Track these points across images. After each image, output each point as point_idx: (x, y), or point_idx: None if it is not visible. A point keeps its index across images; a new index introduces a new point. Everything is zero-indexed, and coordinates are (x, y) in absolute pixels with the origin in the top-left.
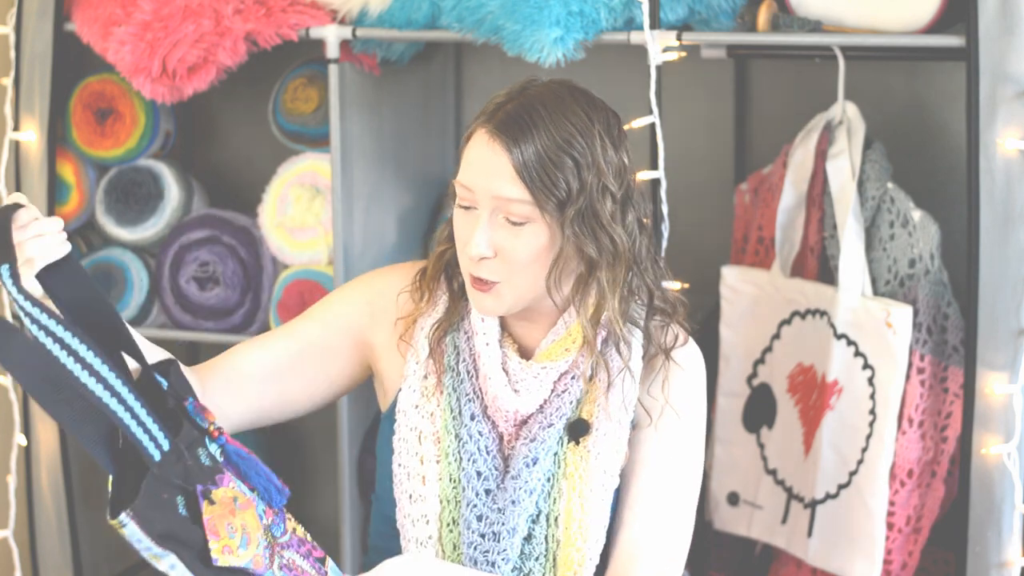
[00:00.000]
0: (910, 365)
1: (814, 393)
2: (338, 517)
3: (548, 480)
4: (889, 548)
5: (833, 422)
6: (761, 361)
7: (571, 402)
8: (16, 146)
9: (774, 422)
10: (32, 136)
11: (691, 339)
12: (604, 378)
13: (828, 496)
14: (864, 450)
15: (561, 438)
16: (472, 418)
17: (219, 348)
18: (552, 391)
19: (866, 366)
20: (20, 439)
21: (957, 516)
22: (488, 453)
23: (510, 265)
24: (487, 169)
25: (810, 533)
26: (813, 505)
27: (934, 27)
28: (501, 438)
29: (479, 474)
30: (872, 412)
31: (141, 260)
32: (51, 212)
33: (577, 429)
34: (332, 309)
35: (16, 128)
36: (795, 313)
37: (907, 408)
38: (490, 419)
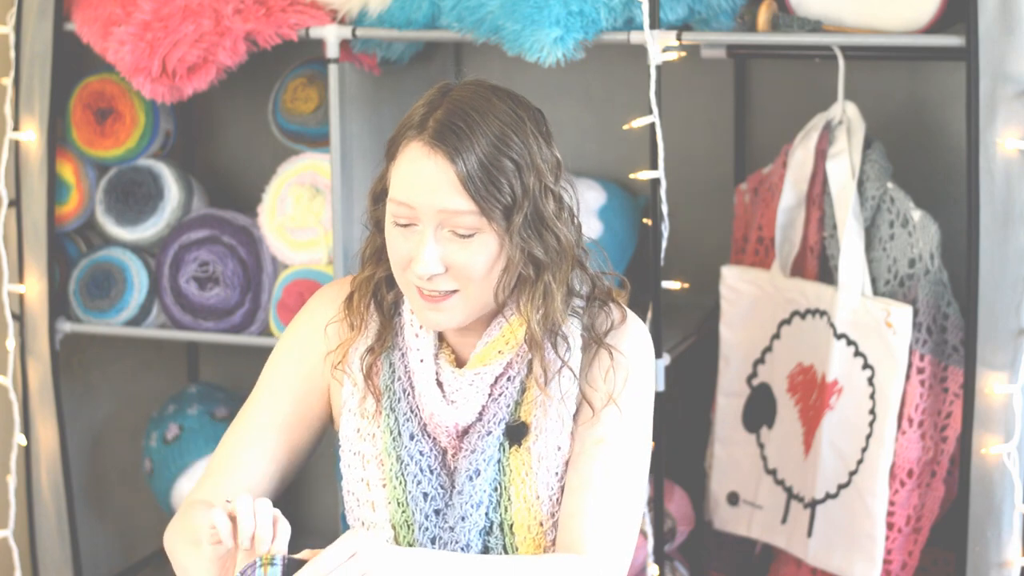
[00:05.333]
0: (910, 365)
1: (814, 393)
2: (337, 518)
3: (495, 489)
4: (889, 548)
5: (833, 422)
6: (761, 361)
7: (507, 406)
8: (16, 146)
9: (774, 422)
10: (32, 136)
11: (629, 314)
12: (541, 375)
13: (828, 496)
14: (864, 450)
15: (502, 444)
16: (411, 438)
17: (219, 348)
18: (489, 396)
19: (866, 366)
20: (20, 439)
21: (957, 516)
22: (432, 472)
23: (464, 278)
24: (429, 183)
25: (810, 533)
26: (813, 505)
27: (934, 27)
28: (445, 453)
29: (425, 495)
30: (872, 412)
31: (141, 260)
32: (51, 212)
33: (516, 432)
34: (294, 373)
35: (16, 128)
36: (795, 313)
37: (907, 408)
38: (431, 436)
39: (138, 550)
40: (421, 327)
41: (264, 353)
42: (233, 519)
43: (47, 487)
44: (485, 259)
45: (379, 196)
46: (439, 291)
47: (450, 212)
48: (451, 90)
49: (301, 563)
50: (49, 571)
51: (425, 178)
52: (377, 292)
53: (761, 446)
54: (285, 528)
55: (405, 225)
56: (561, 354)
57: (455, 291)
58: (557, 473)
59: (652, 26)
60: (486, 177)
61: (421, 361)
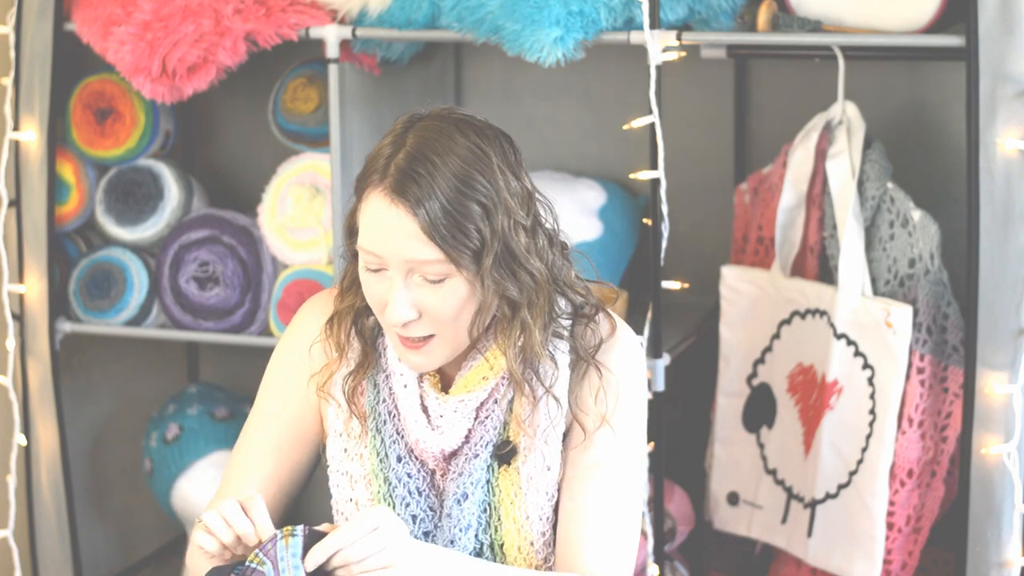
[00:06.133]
0: (910, 365)
1: (814, 393)
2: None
3: (484, 511)
4: (889, 548)
5: (833, 422)
6: (761, 361)
7: (495, 427)
8: (16, 146)
9: (774, 422)
10: (32, 136)
11: (619, 325)
12: (529, 396)
13: (828, 496)
14: (864, 450)
15: (490, 465)
16: (399, 460)
17: (219, 348)
18: (475, 419)
19: (866, 366)
20: (20, 439)
21: (957, 516)
22: (420, 494)
23: (437, 321)
24: (393, 234)
25: (810, 533)
26: (813, 505)
27: (934, 27)
28: (433, 473)
29: (414, 518)
30: (872, 412)
31: (141, 260)
32: (51, 212)
33: (504, 453)
34: (284, 395)
35: (16, 128)
36: (795, 313)
37: (907, 408)
38: (418, 458)
39: (138, 550)
40: None
41: (264, 353)
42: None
43: (47, 487)
44: (456, 303)
45: (353, 230)
46: (415, 337)
47: (417, 262)
48: (415, 124)
49: (322, 534)
50: (49, 571)
51: (389, 230)
52: (357, 320)
53: (761, 446)
54: (257, 504)
55: (376, 270)
56: (546, 379)
57: (432, 336)
58: (548, 493)
59: (652, 26)
60: (451, 224)
61: (405, 386)
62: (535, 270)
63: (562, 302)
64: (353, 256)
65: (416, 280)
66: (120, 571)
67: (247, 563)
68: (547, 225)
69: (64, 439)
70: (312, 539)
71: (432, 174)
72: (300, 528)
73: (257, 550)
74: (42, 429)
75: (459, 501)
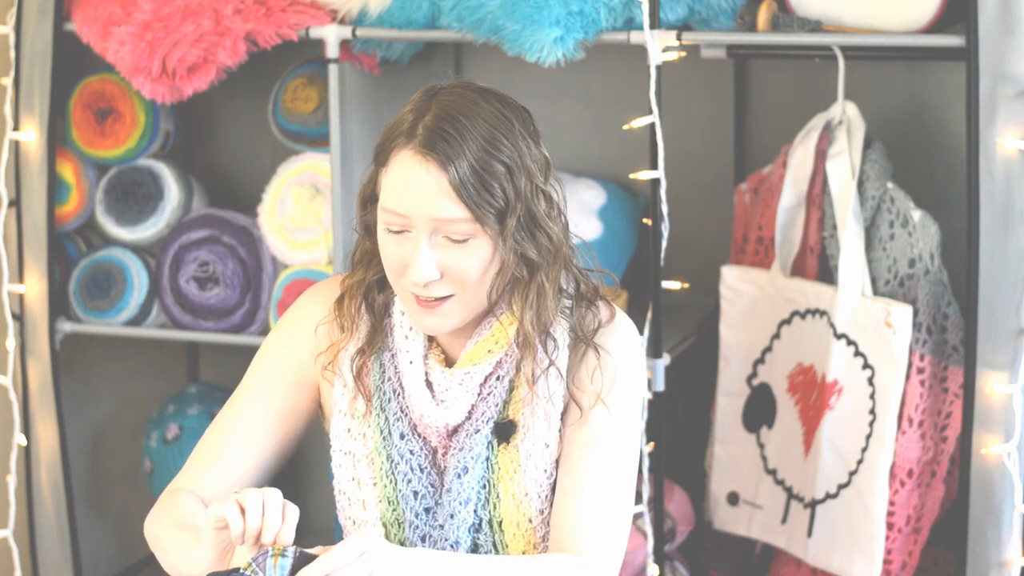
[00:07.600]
0: (910, 365)
1: (814, 393)
2: (332, 517)
3: (484, 487)
4: (889, 548)
5: (833, 422)
6: (761, 361)
7: (496, 404)
8: (16, 146)
9: (774, 422)
10: (32, 136)
11: (618, 312)
12: (529, 375)
13: (828, 496)
14: (864, 450)
15: (490, 442)
16: (402, 437)
17: (219, 348)
18: (478, 395)
19: (866, 366)
20: (20, 439)
21: (957, 516)
22: (422, 471)
23: (460, 282)
24: (422, 192)
25: (810, 533)
26: (813, 505)
27: (934, 27)
28: (435, 452)
29: (416, 494)
30: (872, 412)
31: (141, 260)
32: (51, 212)
33: (504, 430)
34: (283, 370)
35: (16, 128)
36: (795, 313)
37: (907, 408)
38: (420, 436)
39: (138, 550)
40: (411, 328)
41: None
42: (242, 511)
43: (47, 487)
44: (480, 263)
45: (368, 200)
46: (435, 297)
47: (444, 220)
48: (438, 93)
49: (312, 557)
50: (49, 571)
51: (418, 187)
52: (368, 295)
53: (761, 446)
54: (293, 512)
55: (398, 232)
56: (549, 353)
57: (451, 296)
58: (546, 471)
59: (652, 26)
60: (478, 183)
61: (411, 363)
62: (553, 234)
63: (563, 282)
64: (364, 229)
65: (440, 241)
66: (120, 571)
67: (241, 571)
68: (556, 199)
69: (64, 439)
70: (301, 561)
71: (461, 133)
72: (291, 549)
73: (251, 559)
74: (42, 429)
75: (459, 475)
